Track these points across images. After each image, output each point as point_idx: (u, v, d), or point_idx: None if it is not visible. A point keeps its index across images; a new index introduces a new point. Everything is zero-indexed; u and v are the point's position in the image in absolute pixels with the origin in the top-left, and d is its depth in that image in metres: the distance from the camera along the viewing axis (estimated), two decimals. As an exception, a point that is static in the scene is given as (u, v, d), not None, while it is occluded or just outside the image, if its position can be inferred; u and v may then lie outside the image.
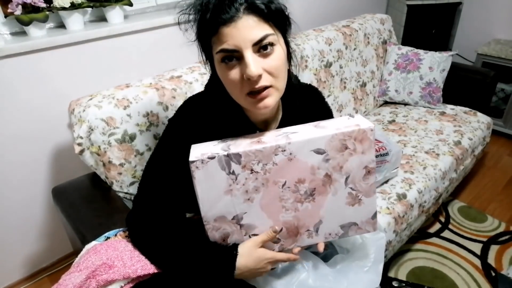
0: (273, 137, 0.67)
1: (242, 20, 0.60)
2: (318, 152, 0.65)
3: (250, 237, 0.71)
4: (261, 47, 0.62)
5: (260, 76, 0.63)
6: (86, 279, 0.71)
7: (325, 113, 0.91)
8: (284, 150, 0.64)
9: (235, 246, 0.72)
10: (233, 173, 0.65)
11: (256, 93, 0.65)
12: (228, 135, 0.73)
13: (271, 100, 0.66)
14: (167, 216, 0.77)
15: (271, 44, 0.63)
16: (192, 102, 0.80)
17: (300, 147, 0.64)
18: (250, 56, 0.61)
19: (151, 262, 0.75)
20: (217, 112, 0.77)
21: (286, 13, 0.67)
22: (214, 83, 0.77)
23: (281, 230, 0.71)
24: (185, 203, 0.83)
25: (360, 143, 0.65)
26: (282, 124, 0.81)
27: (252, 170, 0.65)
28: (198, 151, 0.66)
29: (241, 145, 0.66)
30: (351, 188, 0.69)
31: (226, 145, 0.68)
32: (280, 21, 0.65)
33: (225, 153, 0.64)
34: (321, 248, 0.74)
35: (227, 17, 0.60)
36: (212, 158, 0.64)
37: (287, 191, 0.68)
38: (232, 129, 0.75)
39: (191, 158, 0.64)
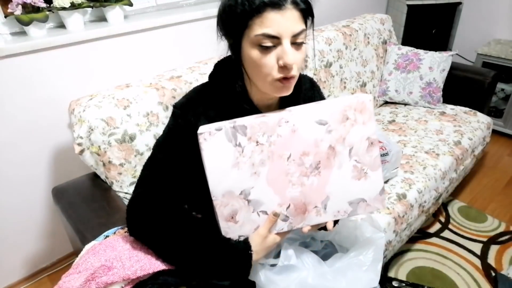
0: (277, 112, 0.70)
1: (289, 10, 0.64)
2: (321, 123, 0.67)
3: (258, 214, 0.72)
4: (296, 40, 0.67)
5: (293, 66, 0.68)
6: (86, 282, 0.71)
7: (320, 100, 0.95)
8: (288, 121, 0.66)
9: (247, 245, 0.72)
10: (240, 145, 0.67)
11: (284, 80, 0.70)
12: (232, 118, 0.75)
13: (292, 87, 0.73)
14: (172, 204, 0.76)
15: (302, 39, 0.68)
16: (197, 90, 0.83)
17: (302, 117, 0.67)
18: (289, 45, 0.66)
19: (156, 253, 0.75)
20: (222, 96, 0.79)
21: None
22: (222, 66, 0.80)
23: (288, 206, 0.71)
24: (189, 195, 0.83)
25: (360, 113, 0.67)
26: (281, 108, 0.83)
27: (257, 142, 0.67)
28: (206, 126, 0.69)
29: (247, 120, 0.68)
30: (355, 160, 0.70)
31: (233, 120, 0.70)
32: (311, 19, 0.71)
33: (232, 125, 0.66)
34: (330, 226, 0.74)
35: (278, 3, 0.63)
36: (219, 129, 0.66)
37: (292, 164, 0.69)
38: (236, 114, 0.76)
39: (199, 131, 0.67)
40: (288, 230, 0.74)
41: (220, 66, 0.81)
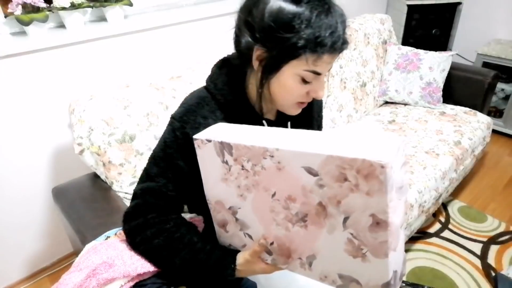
0: (273, 135, 0.61)
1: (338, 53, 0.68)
2: (310, 172, 0.53)
3: (245, 235, 0.70)
4: None
5: None
6: (86, 278, 0.71)
7: (317, 101, 0.96)
8: (272, 156, 0.56)
9: (233, 259, 0.71)
10: (227, 163, 0.63)
11: (303, 103, 0.75)
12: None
13: None
14: (168, 214, 0.76)
15: None
16: (196, 97, 0.79)
17: (288, 158, 0.55)
18: (324, 80, 0.71)
19: (150, 262, 0.75)
20: (223, 103, 0.77)
21: None
22: (222, 70, 0.79)
23: (272, 243, 0.66)
24: (187, 202, 0.82)
25: (364, 179, 0.48)
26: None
27: (243, 166, 0.61)
28: (202, 132, 0.67)
29: (242, 135, 0.63)
30: (351, 234, 0.54)
31: (232, 130, 0.66)
32: None
33: (220, 140, 0.62)
34: None
35: (336, 50, 0.66)
36: (209, 141, 0.63)
37: (277, 204, 0.60)
38: (238, 121, 0.75)
39: (195, 136, 0.66)
40: (273, 264, 0.68)
41: (220, 70, 0.79)
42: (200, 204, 0.75)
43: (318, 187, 0.54)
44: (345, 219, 0.53)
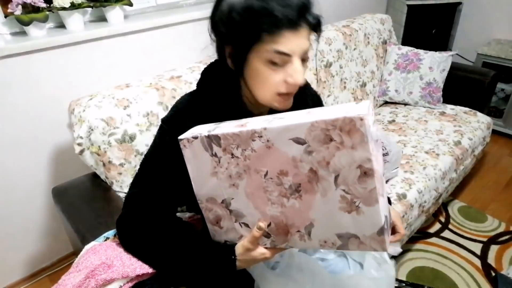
0: (257, 122, 0.64)
1: (302, 28, 0.65)
2: (298, 142, 0.58)
3: (241, 225, 0.70)
4: (304, 56, 0.68)
5: None
6: (85, 279, 0.71)
7: (313, 97, 0.95)
8: (261, 136, 0.60)
9: (232, 251, 0.70)
10: (216, 155, 0.65)
11: (287, 94, 0.70)
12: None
13: (292, 100, 0.73)
14: (160, 218, 0.75)
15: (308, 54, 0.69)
16: (185, 101, 0.80)
17: (277, 134, 0.59)
18: (300, 64, 0.66)
19: (148, 265, 0.74)
20: (212, 107, 0.76)
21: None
22: (211, 74, 0.78)
23: (269, 224, 0.67)
24: (183, 202, 0.82)
25: (347, 135, 0.54)
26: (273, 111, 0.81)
27: (232, 154, 0.63)
28: (191, 130, 0.68)
29: (226, 128, 0.64)
30: (343, 190, 0.58)
31: (214, 126, 0.67)
32: (317, 33, 0.72)
33: (206, 134, 0.64)
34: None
35: (294, 23, 0.63)
36: (195, 138, 0.65)
37: (270, 182, 0.63)
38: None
39: (180, 137, 0.66)
40: (272, 247, 0.69)
41: (209, 74, 0.79)
42: (196, 204, 0.76)
43: (307, 154, 0.58)
44: (336, 178, 0.58)
